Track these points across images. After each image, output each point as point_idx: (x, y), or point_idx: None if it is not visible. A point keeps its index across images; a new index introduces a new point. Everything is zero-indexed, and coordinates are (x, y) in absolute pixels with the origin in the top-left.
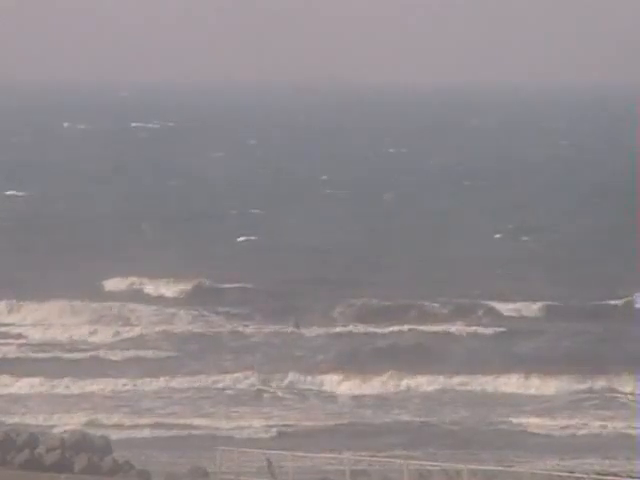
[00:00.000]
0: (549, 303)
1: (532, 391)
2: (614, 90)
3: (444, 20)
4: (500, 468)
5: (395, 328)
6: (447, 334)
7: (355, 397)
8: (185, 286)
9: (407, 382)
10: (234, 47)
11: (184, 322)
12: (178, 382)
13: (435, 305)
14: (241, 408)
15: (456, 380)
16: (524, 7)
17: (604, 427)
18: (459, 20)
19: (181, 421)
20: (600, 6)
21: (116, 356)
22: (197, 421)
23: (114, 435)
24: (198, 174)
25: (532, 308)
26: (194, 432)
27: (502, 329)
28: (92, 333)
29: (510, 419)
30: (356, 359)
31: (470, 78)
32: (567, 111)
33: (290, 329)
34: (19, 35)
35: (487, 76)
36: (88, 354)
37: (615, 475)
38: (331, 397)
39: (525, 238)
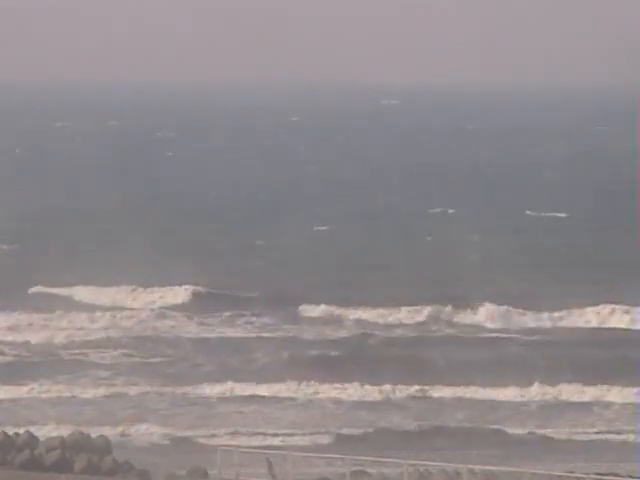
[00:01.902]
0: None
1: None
2: (614, 91)
3: (444, 20)
4: (500, 468)
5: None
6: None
7: None
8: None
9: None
10: (234, 47)
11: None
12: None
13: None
14: None
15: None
16: (524, 7)
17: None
18: (459, 20)
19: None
20: (600, 6)
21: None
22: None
23: None
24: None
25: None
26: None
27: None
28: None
29: None
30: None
31: (470, 79)
32: (565, 112)
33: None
34: (18, 35)
35: (487, 77)
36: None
37: (615, 475)
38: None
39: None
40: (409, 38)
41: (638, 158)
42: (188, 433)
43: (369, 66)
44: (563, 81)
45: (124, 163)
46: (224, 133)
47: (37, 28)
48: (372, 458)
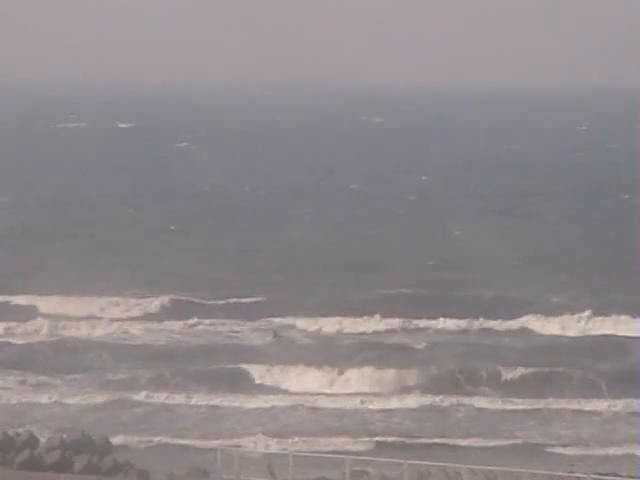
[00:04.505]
0: None
1: None
2: (614, 91)
3: (444, 20)
4: (500, 468)
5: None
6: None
7: None
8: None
9: None
10: (234, 47)
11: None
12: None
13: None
14: None
15: None
16: (524, 7)
17: None
18: (459, 20)
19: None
20: (600, 6)
21: None
22: None
23: None
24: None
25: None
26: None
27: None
28: None
29: None
30: None
31: (470, 79)
32: (565, 111)
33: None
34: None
35: (487, 76)
36: None
37: (615, 475)
38: None
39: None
40: (409, 38)
41: (637, 157)
42: None
43: (369, 66)
44: (563, 81)
45: (119, 162)
46: (222, 133)
47: (37, 28)
48: (372, 458)
